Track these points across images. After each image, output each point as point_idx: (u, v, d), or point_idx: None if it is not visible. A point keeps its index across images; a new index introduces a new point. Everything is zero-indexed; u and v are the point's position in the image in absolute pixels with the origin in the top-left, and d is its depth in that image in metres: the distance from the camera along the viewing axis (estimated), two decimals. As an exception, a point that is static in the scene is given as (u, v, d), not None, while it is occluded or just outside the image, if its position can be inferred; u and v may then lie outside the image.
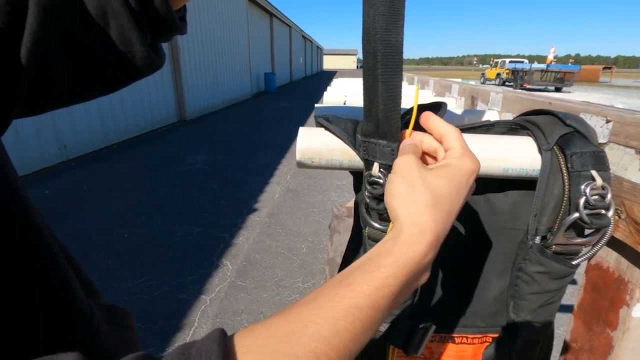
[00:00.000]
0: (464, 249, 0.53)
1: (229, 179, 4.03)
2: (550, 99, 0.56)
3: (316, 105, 0.79)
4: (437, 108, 0.52)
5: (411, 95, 1.32)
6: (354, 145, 0.45)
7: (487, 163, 0.45)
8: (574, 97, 15.29)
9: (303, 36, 30.14)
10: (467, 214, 0.53)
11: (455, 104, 0.98)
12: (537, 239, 0.43)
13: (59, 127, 4.40)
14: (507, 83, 21.90)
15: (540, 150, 0.43)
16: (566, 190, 0.41)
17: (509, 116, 0.67)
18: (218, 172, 4.27)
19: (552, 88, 19.27)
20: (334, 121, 0.47)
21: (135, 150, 5.25)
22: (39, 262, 0.28)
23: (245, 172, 4.29)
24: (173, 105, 7.37)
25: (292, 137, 6.22)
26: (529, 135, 0.46)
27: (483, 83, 22.06)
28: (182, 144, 5.71)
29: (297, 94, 14.58)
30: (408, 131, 0.39)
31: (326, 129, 0.48)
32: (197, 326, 1.84)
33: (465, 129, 0.52)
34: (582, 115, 0.47)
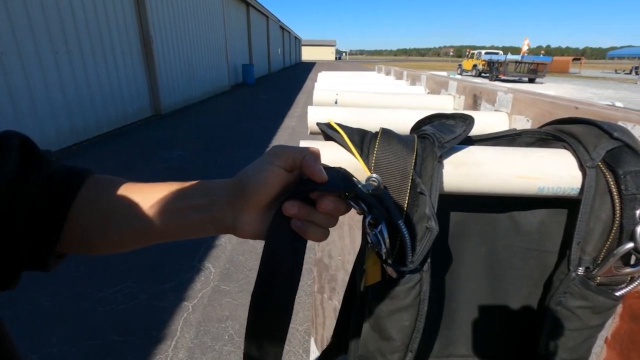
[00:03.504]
0: (484, 273, 0.47)
1: (208, 176, 3.88)
2: (576, 102, 0.50)
3: (309, 107, 0.71)
4: (441, 118, 0.45)
5: (388, 84, 1.25)
6: (360, 155, 0.38)
7: (520, 182, 0.38)
8: (547, 88, 15.72)
9: (281, 27, 29.62)
10: (488, 234, 0.47)
11: (453, 104, 0.92)
12: (581, 270, 0.37)
13: (23, 123, 4.12)
14: (483, 74, 22.31)
15: (581, 167, 0.37)
16: (617, 215, 0.35)
17: (521, 119, 0.62)
18: (196, 169, 4.12)
19: (526, 79, 19.78)
20: (340, 129, 0.40)
21: (107, 147, 5.00)
22: None
23: (225, 169, 4.16)
24: (147, 98, 7.06)
25: (273, 131, 6.09)
26: (565, 148, 0.40)
27: (460, 74, 22.39)
28: (157, 139, 5.48)
29: (276, 86, 14.33)
30: None
31: (331, 138, 0.40)
32: (179, 336, 1.74)
33: (487, 139, 0.45)
34: (621, 124, 0.41)
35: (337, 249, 1.94)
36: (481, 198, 0.44)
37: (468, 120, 0.41)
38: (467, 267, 0.47)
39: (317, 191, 0.31)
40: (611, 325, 0.45)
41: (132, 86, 6.45)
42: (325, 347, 1.57)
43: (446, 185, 0.39)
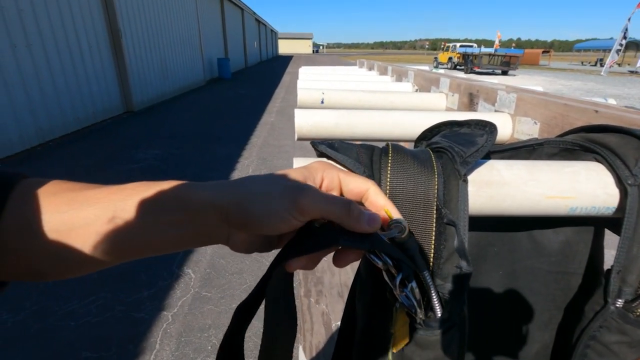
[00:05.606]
0: (502, 298, 0.42)
1: (185, 176, 3.74)
2: (592, 103, 0.46)
3: (296, 110, 0.64)
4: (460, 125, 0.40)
5: (369, 80, 1.20)
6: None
7: (550, 202, 0.33)
8: (520, 80, 16.14)
9: (256, 19, 29.06)
10: (506, 257, 0.42)
11: (445, 102, 0.87)
12: (620, 302, 0.33)
13: (-21, 123, 3.83)
14: (458, 67, 22.71)
15: (619, 184, 0.33)
16: (666, 241, 0.30)
17: (527, 121, 0.57)
18: (173, 169, 3.96)
19: (499, 71, 20.27)
20: (342, 149, 0.33)
21: (75, 146, 4.73)
22: None
23: (203, 167, 4.02)
24: (117, 94, 6.74)
25: (252, 127, 5.95)
26: (598, 161, 0.35)
27: (436, 67, 22.69)
28: (130, 137, 5.24)
29: (253, 80, 14.06)
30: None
31: (333, 160, 0.33)
32: (159, 349, 1.65)
33: (503, 150, 0.40)
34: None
35: (322, 250, 1.87)
36: (498, 216, 0.39)
37: (488, 128, 0.35)
38: (483, 293, 0.42)
39: (335, 246, 0.25)
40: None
41: (101, 82, 6.14)
42: (314, 355, 1.49)
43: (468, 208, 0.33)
